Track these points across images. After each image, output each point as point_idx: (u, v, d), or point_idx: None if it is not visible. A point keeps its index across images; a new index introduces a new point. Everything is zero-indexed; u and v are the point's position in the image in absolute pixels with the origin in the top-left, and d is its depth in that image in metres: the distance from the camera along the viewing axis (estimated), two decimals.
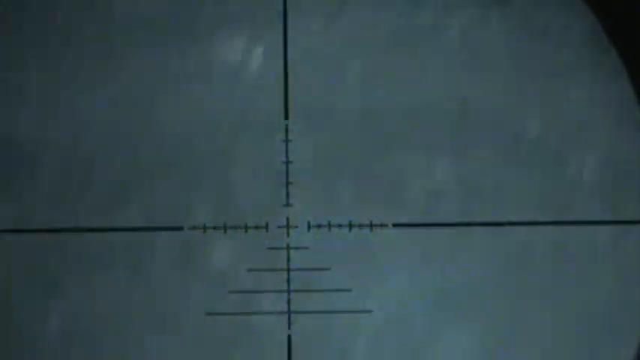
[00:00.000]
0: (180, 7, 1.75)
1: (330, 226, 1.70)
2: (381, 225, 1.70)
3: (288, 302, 1.68)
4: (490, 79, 1.73)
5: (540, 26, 1.73)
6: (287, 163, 1.71)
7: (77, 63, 1.73)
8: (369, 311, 1.68)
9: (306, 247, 1.69)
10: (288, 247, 1.69)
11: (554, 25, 1.74)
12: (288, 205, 1.70)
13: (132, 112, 1.72)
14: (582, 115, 1.73)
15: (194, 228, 1.70)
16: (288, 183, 1.71)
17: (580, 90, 1.73)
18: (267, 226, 1.69)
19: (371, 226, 1.70)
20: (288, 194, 1.70)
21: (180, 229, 1.69)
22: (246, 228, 1.70)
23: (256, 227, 1.70)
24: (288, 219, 1.70)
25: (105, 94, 1.72)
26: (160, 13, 1.74)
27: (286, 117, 1.72)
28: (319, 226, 1.70)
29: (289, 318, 1.68)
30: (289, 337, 1.68)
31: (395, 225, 1.70)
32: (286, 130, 1.71)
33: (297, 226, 1.70)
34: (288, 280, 1.69)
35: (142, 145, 1.71)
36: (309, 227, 1.70)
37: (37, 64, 1.73)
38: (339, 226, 1.70)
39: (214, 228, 1.70)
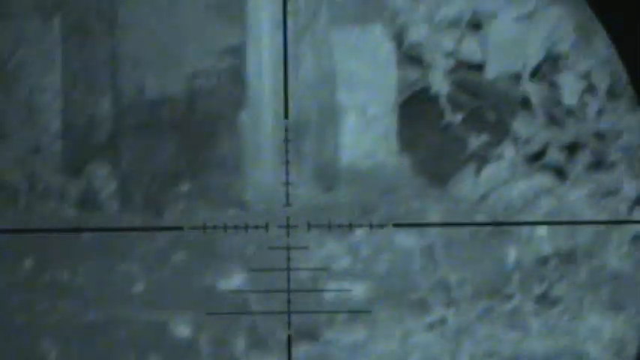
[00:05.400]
0: None
1: (330, 226, 1.70)
2: (381, 225, 1.70)
3: (288, 302, 1.68)
4: None
5: None
6: (287, 163, 1.71)
7: None
8: (369, 311, 1.68)
9: (306, 247, 1.69)
10: (288, 247, 1.69)
11: None
12: (288, 205, 1.70)
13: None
14: None
15: (194, 228, 1.70)
16: (288, 183, 1.70)
17: None
18: (267, 226, 1.69)
19: (371, 226, 1.70)
20: (288, 194, 1.70)
21: (180, 229, 1.69)
22: (246, 228, 1.69)
23: (256, 227, 1.69)
24: (288, 219, 1.70)
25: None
26: None
27: (286, 117, 1.71)
28: (319, 226, 1.70)
29: (289, 318, 1.68)
30: (289, 337, 1.68)
31: (395, 225, 1.70)
32: (286, 130, 1.71)
33: (297, 226, 1.70)
34: (288, 280, 1.68)
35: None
36: (309, 227, 1.70)
37: None
38: (339, 226, 1.70)
39: (214, 228, 1.69)
